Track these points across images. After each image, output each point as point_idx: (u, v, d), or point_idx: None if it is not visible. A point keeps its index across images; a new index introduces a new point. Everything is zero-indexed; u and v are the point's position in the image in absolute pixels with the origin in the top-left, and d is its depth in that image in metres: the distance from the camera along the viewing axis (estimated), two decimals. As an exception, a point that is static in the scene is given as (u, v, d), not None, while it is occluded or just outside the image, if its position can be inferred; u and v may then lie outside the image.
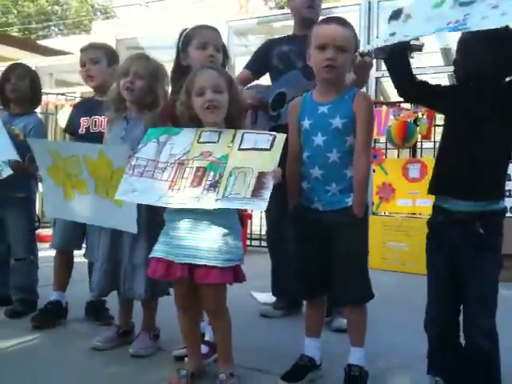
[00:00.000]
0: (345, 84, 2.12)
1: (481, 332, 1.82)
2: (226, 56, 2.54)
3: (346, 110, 2.05)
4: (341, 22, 2.10)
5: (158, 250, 2.05)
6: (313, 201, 2.10)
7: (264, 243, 5.95)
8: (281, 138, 1.98)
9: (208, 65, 2.27)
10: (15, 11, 25.33)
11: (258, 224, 6.17)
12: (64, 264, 2.99)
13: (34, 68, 8.75)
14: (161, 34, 8.15)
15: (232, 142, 2.01)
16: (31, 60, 9.16)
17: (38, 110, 7.33)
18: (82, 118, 2.95)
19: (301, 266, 2.20)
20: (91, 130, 2.91)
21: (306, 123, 2.11)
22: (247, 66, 3.29)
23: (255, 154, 1.97)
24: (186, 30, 2.53)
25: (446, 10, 1.73)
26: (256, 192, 1.87)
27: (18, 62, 3.48)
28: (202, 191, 1.95)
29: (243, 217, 5.49)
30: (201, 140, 2.06)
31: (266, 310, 3.27)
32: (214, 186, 1.95)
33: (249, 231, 6.21)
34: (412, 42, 1.93)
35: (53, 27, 27.22)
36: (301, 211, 2.15)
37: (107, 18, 27.80)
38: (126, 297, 2.50)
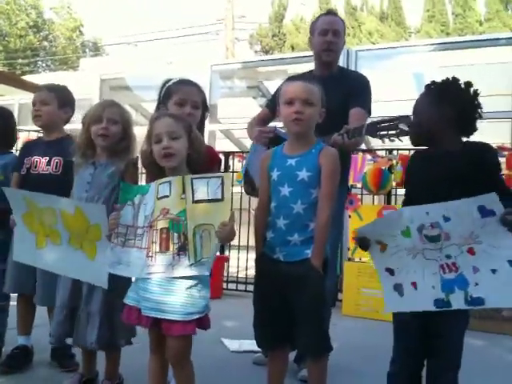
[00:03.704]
0: (313, 138, 2.18)
1: None
2: (205, 109, 2.54)
3: (312, 163, 2.10)
4: (305, 80, 2.23)
5: (131, 297, 2.08)
6: (275, 251, 2.12)
7: (240, 286, 5.93)
8: (227, 180, 1.97)
9: (165, 112, 2.28)
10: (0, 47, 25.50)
11: (235, 266, 6.15)
12: (26, 307, 2.92)
13: (17, 105, 8.66)
14: (147, 74, 8.27)
15: (183, 192, 2.00)
16: (15, 96, 9.18)
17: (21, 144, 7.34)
18: (26, 158, 2.92)
19: (260, 318, 2.19)
20: (31, 171, 2.87)
21: (275, 174, 2.16)
22: (267, 105, 3.29)
23: (211, 206, 1.96)
24: (168, 81, 2.53)
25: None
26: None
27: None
28: (174, 257, 1.98)
29: (218, 260, 5.47)
30: (159, 195, 2.06)
31: (258, 357, 3.14)
32: (182, 249, 1.98)
33: (225, 274, 6.15)
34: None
35: (40, 63, 27.42)
36: (264, 261, 2.17)
37: (96, 55, 28.15)
38: (77, 345, 2.45)
